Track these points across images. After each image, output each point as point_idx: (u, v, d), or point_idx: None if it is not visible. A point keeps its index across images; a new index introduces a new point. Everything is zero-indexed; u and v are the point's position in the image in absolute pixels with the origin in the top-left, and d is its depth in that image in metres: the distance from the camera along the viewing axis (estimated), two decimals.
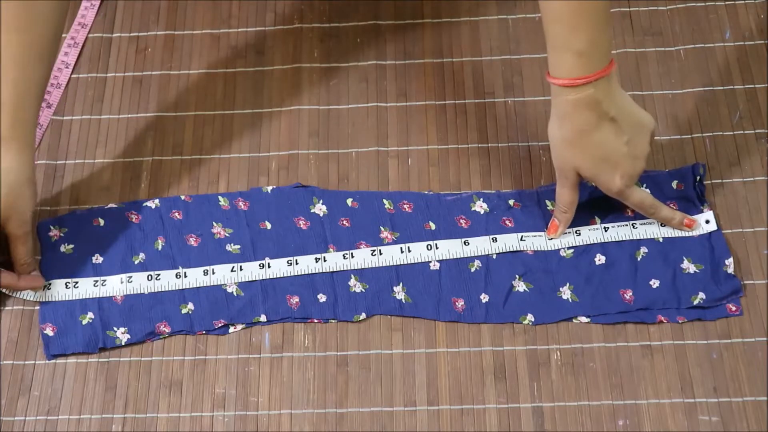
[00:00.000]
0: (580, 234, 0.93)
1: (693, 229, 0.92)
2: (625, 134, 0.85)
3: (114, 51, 1.09)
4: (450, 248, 0.93)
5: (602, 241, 0.93)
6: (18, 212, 0.89)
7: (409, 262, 0.93)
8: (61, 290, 0.93)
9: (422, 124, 1.02)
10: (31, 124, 0.89)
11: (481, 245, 0.93)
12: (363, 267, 0.93)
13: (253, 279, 0.93)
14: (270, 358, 0.90)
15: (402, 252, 0.93)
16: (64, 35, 1.08)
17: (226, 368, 0.90)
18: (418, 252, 0.93)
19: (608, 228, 0.93)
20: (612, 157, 0.86)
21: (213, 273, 0.94)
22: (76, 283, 0.94)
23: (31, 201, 0.90)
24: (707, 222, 0.93)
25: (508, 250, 0.93)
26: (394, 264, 0.93)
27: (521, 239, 0.93)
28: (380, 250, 0.93)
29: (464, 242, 0.94)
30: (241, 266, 0.94)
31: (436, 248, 0.93)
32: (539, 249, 0.93)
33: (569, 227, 0.94)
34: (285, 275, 0.93)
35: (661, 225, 0.93)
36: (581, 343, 0.89)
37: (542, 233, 0.94)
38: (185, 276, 0.93)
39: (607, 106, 0.83)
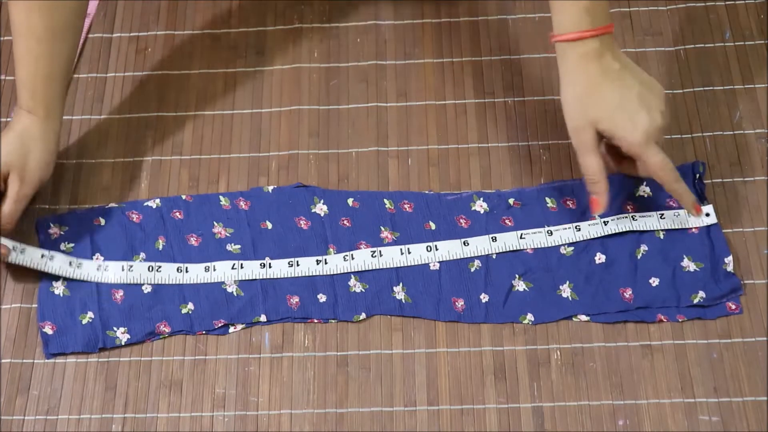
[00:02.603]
0: (580, 229, 0.93)
1: (698, 215, 0.92)
2: (635, 87, 0.85)
3: (114, 51, 1.09)
4: (450, 249, 0.93)
5: (602, 234, 0.93)
6: (23, 170, 0.91)
7: (409, 264, 0.93)
8: (64, 266, 0.93)
9: (422, 124, 1.02)
10: (55, 98, 0.93)
11: (480, 245, 0.93)
12: (363, 269, 0.93)
13: (253, 278, 0.93)
14: (270, 358, 0.90)
15: (402, 254, 0.93)
16: None
17: (226, 368, 0.90)
18: (418, 254, 0.93)
19: (608, 221, 0.93)
20: (626, 106, 0.84)
21: (214, 270, 0.93)
22: (80, 264, 0.94)
23: (41, 166, 0.92)
24: (707, 215, 0.93)
25: (508, 249, 0.93)
26: (394, 266, 0.93)
27: (521, 237, 0.93)
28: (380, 252, 0.93)
29: (464, 242, 0.94)
30: (242, 264, 0.93)
31: (436, 249, 0.93)
32: (539, 246, 0.93)
33: (568, 223, 0.94)
34: (285, 276, 0.93)
35: (660, 217, 0.93)
36: (581, 343, 0.89)
37: (541, 230, 0.94)
38: (186, 271, 0.93)
39: (612, 58, 0.85)
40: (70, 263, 0.93)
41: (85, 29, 1.09)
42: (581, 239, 0.93)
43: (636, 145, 0.85)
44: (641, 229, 0.93)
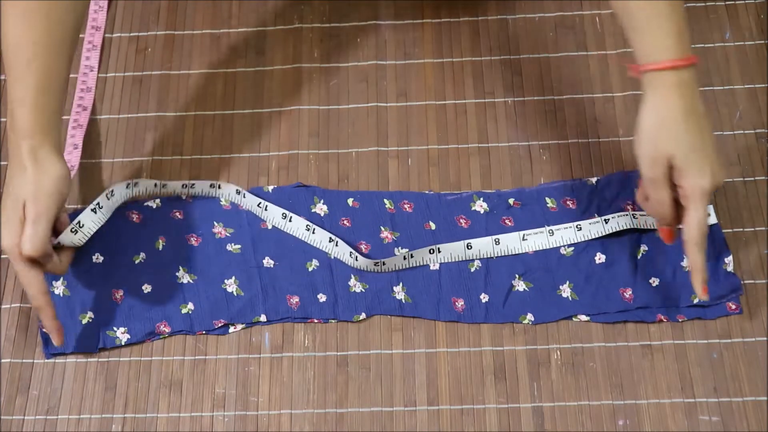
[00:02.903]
0: (581, 228, 0.93)
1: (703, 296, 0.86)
2: (712, 137, 0.81)
3: (114, 51, 1.09)
4: (453, 252, 0.93)
5: (604, 233, 0.93)
6: (34, 194, 0.84)
7: (412, 266, 0.93)
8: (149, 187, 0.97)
9: (422, 124, 1.02)
10: (54, 112, 0.87)
11: (483, 248, 0.93)
12: (365, 270, 0.93)
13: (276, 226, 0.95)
14: (270, 358, 0.90)
15: (405, 259, 0.93)
16: (81, 35, 1.08)
17: (226, 368, 0.90)
18: (420, 257, 0.93)
19: (608, 220, 0.93)
20: (705, 149, 0.80)
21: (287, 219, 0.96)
22: (112, 191, 0.94)
23: (52, 182, 0.85)
24: (708, 215, 0.93)
25: (511, 252, 0.93)
26: (397, 270, 0.93)
27: (523, 239, 0.93)
28: (383, 261, 0.93)
29: (467, 245, 0.93)
30: (291, 217, 0.95)
31: (439, 252, 0.93)
32: (541, 248, 0.93)
33: (569, 222, 0.94)
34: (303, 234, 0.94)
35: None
36: (581, 343, 0.89)
37: (543, 230, 0.94)
38: (219, 188, 0.97)
39: (698, 98, 0.81)
40: (155, 185, 0.97)
41: (101, 32, 1.09)
42: (583, 239, 0.93)
43: (699, 191, 0.81)
44: (641, 227, 0.93)
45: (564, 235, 0.94)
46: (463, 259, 0.93)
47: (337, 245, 0.94)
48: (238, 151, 1.01)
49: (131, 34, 1.10)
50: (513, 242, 0.94)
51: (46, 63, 0.86)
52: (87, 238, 0.90)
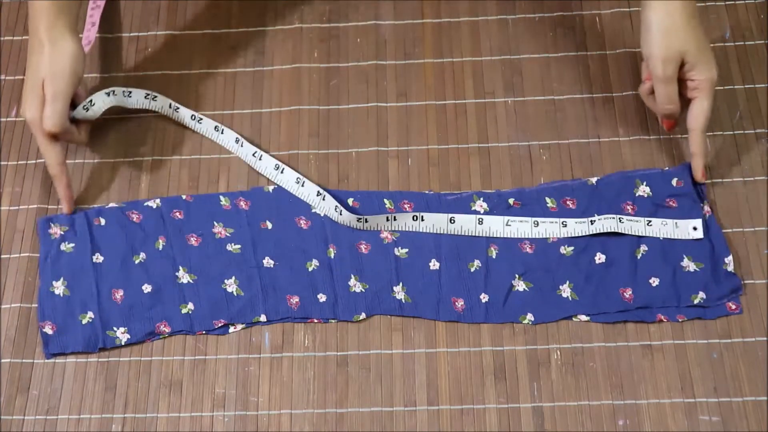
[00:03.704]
0: (566, 225, 0.94)
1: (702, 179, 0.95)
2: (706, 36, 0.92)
3: (114, 51, 1.08)
4: (435, 222, 0.94)
5: (588, 233, 0.93)
6: (52, 72, 0.93)
7: (395, 228, 0.95)
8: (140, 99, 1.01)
9: (422, 124, 1.02)
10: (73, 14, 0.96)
11: (466, 225, 0.94)
12: (402, 229, 0.95)
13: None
14: (270, 358, 0.90)
15: (388, 220, 0.94)
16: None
17: (226, 368, 0.90)
18: (403, 221, 0.94)
19: (594, 221, 0.93)
20: (707, 46, 0.91)
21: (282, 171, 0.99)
22: (130, 92, 1.01)
23: (68, 61, 0.93)
24: (694, 229, 0.93)
25: (493, 235, 0.93)
26: (379, 230, 0.94)
27: (507, 224, 0.94)
28: (366, 219, 0.94)
29: (450, 219, 0.94)
30: (283, 168, 0.98)
31: (422, 220, 0.94)
32: (523, 236, 0.93)
33: (558, 217, 0.94)
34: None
35: (647, 224, 0.93)
36: (581, 343, 0.89)
37: (528, 219, 0.94)
38: (222, 132, 1.01)
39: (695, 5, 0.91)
40: (170, 105, 1.02)
41: (95, 27, 1.09)
42: (567, 236, 0.93)
43: (709, 82, 0.91)
44: (626, 232, 0.93)
45: (548, 228, 0.94)
46: (444, 231, 0.94)
47: (324, 199, 0.95)
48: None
49: (131, 34, 1.10)
50: (496, 225, 0.94)
51: None
52: (97, 116, 0.99)
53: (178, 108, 1.02)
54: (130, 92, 1.01)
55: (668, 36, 0.90)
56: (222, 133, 1.01)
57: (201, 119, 1.02)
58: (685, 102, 0.93)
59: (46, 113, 0.93)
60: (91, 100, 0.98)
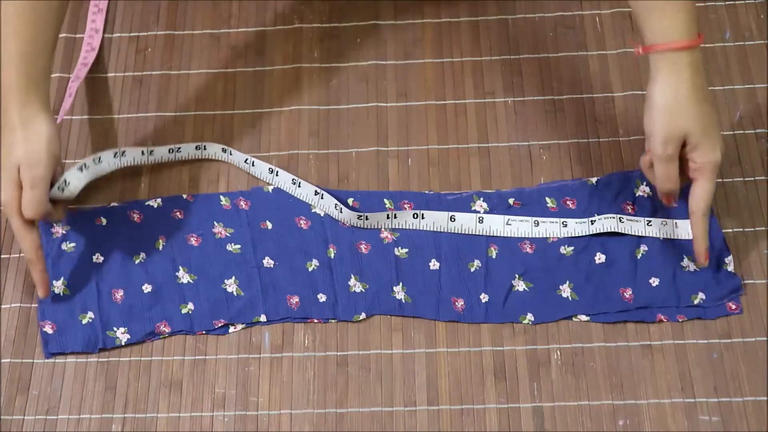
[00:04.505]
0: (566, 225, 0.94)
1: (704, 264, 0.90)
2: (716, 113, 0.86)
3: (114, 51, 1.09)
4: (435, 220, 0.94)
5: (588, 233, 0.93)
6: (27, 157, 0.87)
7: (395, 226, 0.94)
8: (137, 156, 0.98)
9: (422, 124, 1.02)
10: (41, 72, 0.90)
11: (466, 224, 0.94)
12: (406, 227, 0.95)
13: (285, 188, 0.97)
14: (270, 358, 0.90)
15: (389, 218, 0.94)
16: (79, 35, 1.08)
17: (226, 368, 0.90)
18: (404, 219, 0.94)
19: (594, 221, 0.93)
20: (714, 126, 0.85)
21: (231, 154, 1.00)
22: (152, 150, 0.99)
23: (44, 143, 0.88)
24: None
25: (493, 234, 0.93)
26: (379, 228, 0.94)
27: (507, 223, 0.94)
28: (366, 216, 0.94)
29: (450, 217, 0.94)
30: (278, 171, 0.98)
31: (422, 218, 0.94)
32: (524, 236, 0.93)
33: (558, 217, 0.94)
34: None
35: (647, 224, 0.93)
36: (581, 343, 0.89)
37: (529, 219, 0.94)
38: (205, 149, 1.00)
39: (704, 77, 0.84)
40: (143, 152, 0.99)
41: (99, 34, 1.09)
42: (567, 235, 0.93)
43: (712, 165, 0.85)
44: (626, 232, 0.93)
45: (549, 228, 0.94)
46: (444, 230, 0.94)
47: (322, 198, 0.95)
48: (238, 150, 1.01)
49: (131, 34, 1.10)
50: (497, 224, 0.94)
51: (32, 27, 0.88)
52: (74, 196, 0.93)
53: (152, 151, 0.99)
54: (99, 158, 0.95)
55: (671, 115, 0.84)
56: (205, 149, 1.00)
57: (179, 148, 1.00)
58: (685, 178, 0.87)
59: (26, 200, 0.87)
60: (65, 180, 0.92)
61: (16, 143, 0.87)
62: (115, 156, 0.97)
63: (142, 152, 0.98)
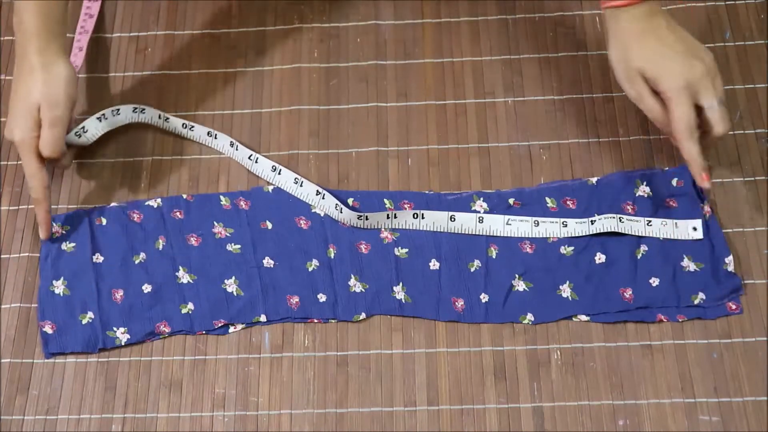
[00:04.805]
0: (566, 225, 0.94)
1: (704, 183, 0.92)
2: (679, 42, 0.90)
3: (114, 51, 1.09)
4: (435, 220, 0.94)
5: (588, 233, 0.93)
6: (48, 97, 0.93)
7: (395, 226, 0.94)
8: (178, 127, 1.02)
9: (422, 124, 1.02)
10: (59, 22, 0.96)
11: (466, 224, 0.94)
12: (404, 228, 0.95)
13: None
14: (270, 358, 0.90)
15: (389, 218, 0.94)
16: (71, 35, 1.08)
17: (226, 368, 0.90)
18: (404, 219, 0.94)
19: (595, 221, 0.93)
20: (668, 54, 0.90)
21: (237, 149, 1.01)
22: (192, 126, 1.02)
23: (63, 85, 0.94)
24: (694, 229, 0.93)
25: (493, 234, 0.93)
26: (379, 228, 0.94)
27: (507, 223, 0.94)
28: (366, 216, 0.94)
29: (450, 217, 0.94)
30: (280, 170, 0.98)
31: (423, 218, 0.94)
32: (524, 236, 0.93)
33: (558, 217, 0.94)
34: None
35: (647, 224, 0.93)
36: (581, 343, 0.89)
37: (529, 219, 0.94)
38: (216, 138, 1.01)
39: (660, 18, 0.91)
40: (159, 116, 1.02)
41: (88, 35, 1.09)
42: (567, 235, 0.93)
43: (674, 90, 0.89)
44: (626, 232, 0.93)
45: (549, 228, 0.94)
46: (444, 229, 0.94)
47: (323, 198, 0.95)
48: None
49: (131, 34, 1.10)
50: (497, 224, 0.94)
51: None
52: (89, 143, 0.99)
53: (168, 118, 1.02)
54: (118, 110, 1.01)
55: (622, 61, 0.91)
56: (215, 138, 1.01)
57: (192, 126, 1.02)
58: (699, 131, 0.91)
59: (45, 138, 0.93)
60: (83, 127, 0.98)
61: (36, 84, 0.92)
62: (134, 111, 1.01)
63: (159, 116, 1.02)
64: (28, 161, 0.93)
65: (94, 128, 0.98)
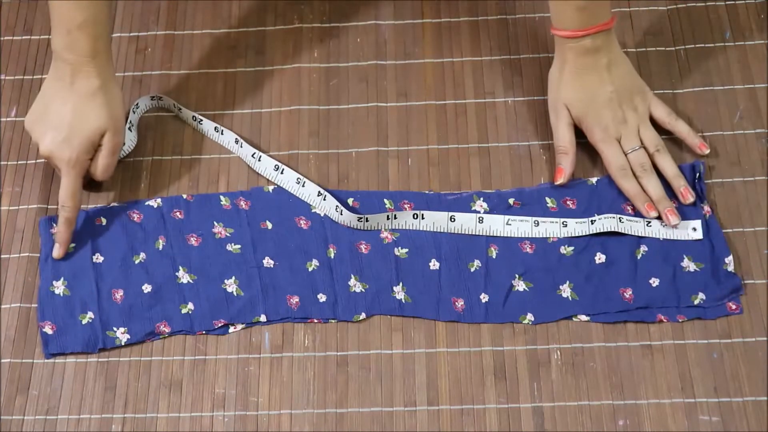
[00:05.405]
0: (566, 225, 0.94)
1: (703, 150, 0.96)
2: (613, 84, 0.94)
3: (114, 51, 1.08)
4: (435, 221, 0.94)
5: (588, 233, 0.93)
6: (114, 123, 0.95)
7: (395, 227, 0.94)
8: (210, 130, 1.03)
9: (422, 124, 1.02)
10: (109, 46, 0.97)
11: (466, 224, 0.94)
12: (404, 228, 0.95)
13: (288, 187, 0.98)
14: (270, 358, 0.90)
15: (389, 219, 0.94)
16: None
17: (226, 368, 0.90)
18: (404, 219, 0.94)
19: (595, 221, 0.93)
20: (597, 100, 0.94)
21: (240, 145, 1.01)
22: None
23: (122, 111, 0.97)
24: (694, 230, 0.93)
25: (493, 234, 0.93)
26: (378, 229, 0.94)
27: (507, 223, 0.94)
28: (367, 218, 0.94)
29: (450, 217, 0.94)
30: (283, 169, 0.98)
31: (422, 218, 0.94)
32: (524, 236, 0.93)
33: (557, 217, 0.94)
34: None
35: (647, 224, 0.93)
36: (581, 343, 0.89)
37: (529, 218, 0.94)
38: (222, 133, 1.02)
39: (602, 55, 0.93)
40: (174, 105, 1.04)
41: None
42: (567, 235, 0.93)
43: (597, 135, 0.95)
44: (626, 232, 0.93)
45: (549, 228, 0.94)
46: (444, 230, 0.94)
47: (325, 199, 0.95)
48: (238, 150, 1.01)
49: (131, 34, 1.10)
50: (497, 224, 0.94)
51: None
52: (126, 154, 1.00)
53: (180, 108, 1.03)
54: (137, 104, 1.02)
55: (554, 89, 0.96)
56: (222, 134, 1.01)
57: (201, 120, 1.02)
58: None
59: (106, 164, 0.95)
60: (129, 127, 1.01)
61: (101, 110, 0.93)
62: (152, 99, 1.04)
63: (174, 105, 1.03)
64: (73, 182, 0.94)
65: (129, 140, 1.00)
